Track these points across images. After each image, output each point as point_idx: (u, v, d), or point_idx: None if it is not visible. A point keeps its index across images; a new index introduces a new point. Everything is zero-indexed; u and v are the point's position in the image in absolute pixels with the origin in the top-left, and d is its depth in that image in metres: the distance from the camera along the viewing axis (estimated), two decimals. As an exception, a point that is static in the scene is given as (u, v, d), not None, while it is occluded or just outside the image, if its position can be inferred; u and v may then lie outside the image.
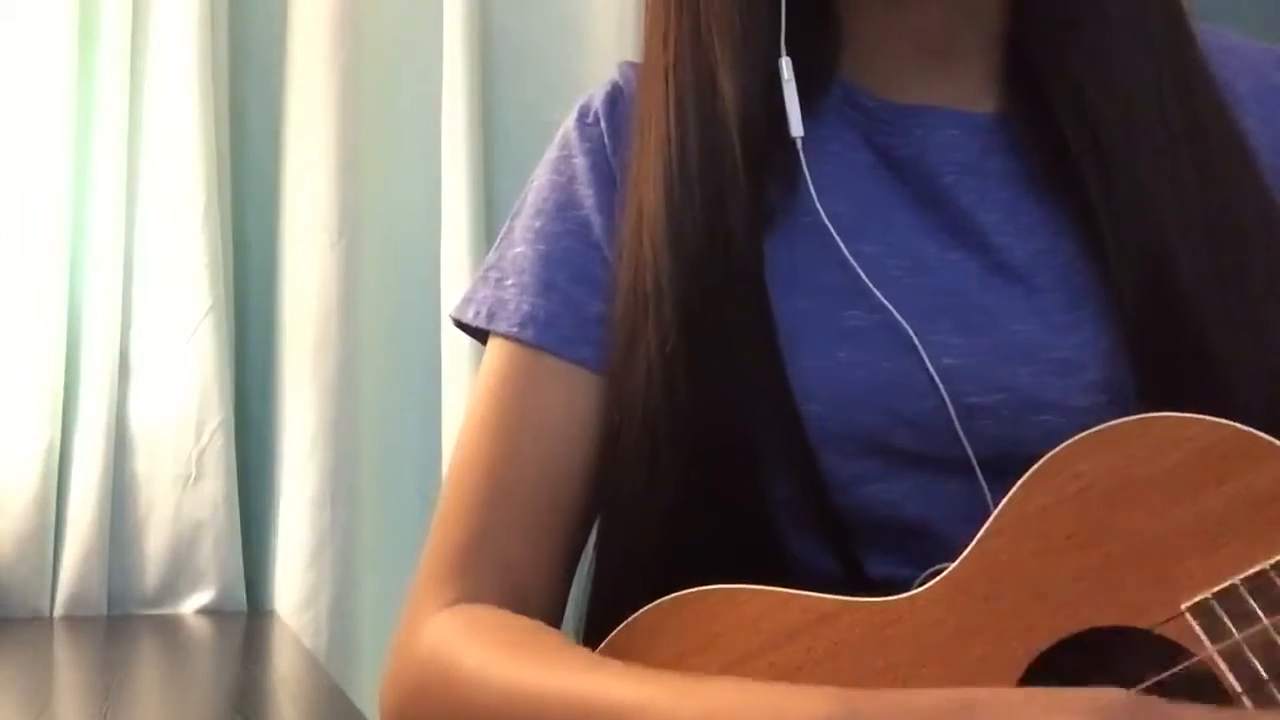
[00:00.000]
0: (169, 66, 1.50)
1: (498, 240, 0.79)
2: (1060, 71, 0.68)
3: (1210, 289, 0.63)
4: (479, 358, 0.78)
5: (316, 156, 1.56)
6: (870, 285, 0.66)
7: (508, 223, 0.79)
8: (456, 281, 1.54)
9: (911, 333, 0.65)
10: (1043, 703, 0.48)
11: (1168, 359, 0.64)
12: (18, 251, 1.43)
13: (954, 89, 0.71)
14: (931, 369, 0.64)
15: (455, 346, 1.54)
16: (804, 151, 0.68)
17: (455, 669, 0.63)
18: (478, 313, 0.75)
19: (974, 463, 0.64)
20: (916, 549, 0.64)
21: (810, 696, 0.51)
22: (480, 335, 0.76)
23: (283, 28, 1.60)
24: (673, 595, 0.61)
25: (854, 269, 0.66)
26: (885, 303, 0.65)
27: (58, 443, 1.43)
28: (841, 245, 0.66)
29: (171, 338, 1.49)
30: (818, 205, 0.67)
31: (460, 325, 0.77)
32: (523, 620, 0.66)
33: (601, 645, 0.63)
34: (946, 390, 0.64)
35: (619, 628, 0.63)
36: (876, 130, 0.72)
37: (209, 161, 1.50)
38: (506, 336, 0.73)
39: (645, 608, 0.62)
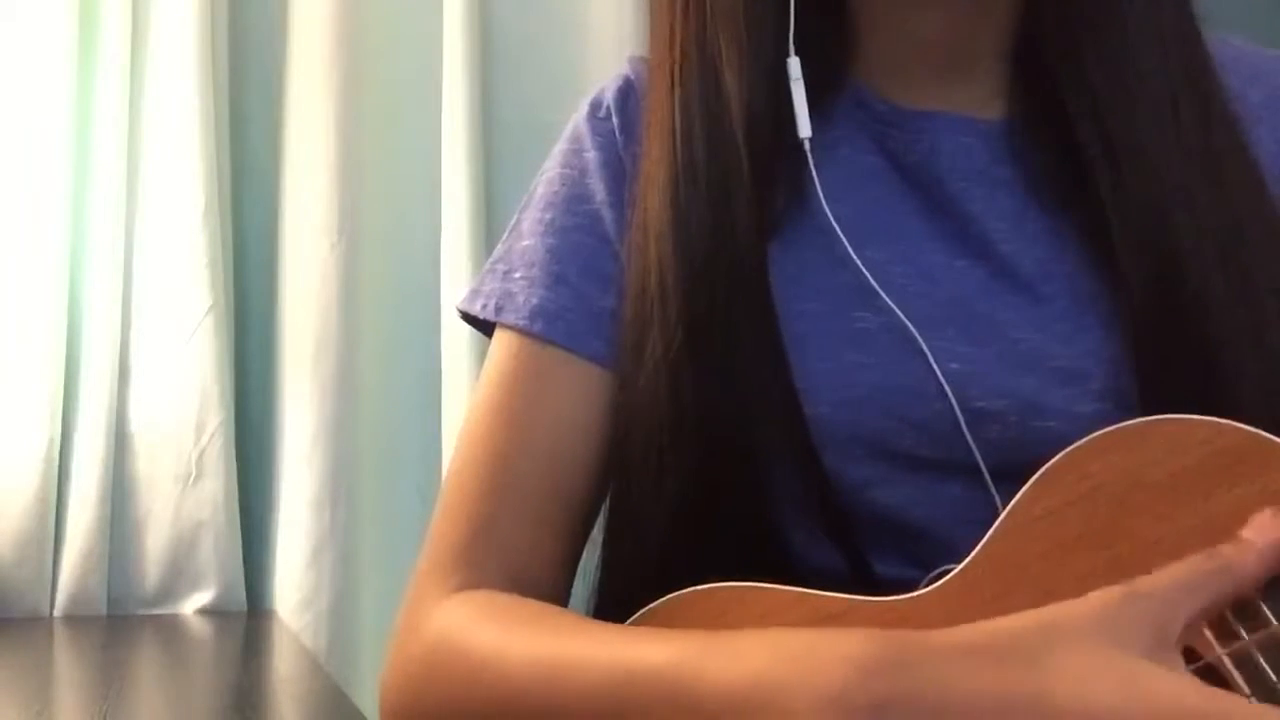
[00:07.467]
0: (169, 66, 1.50)
1: (505, 234, 0.78)
2: (1077, 75, 0.67)
3: (1217, 296, 0.63)
4: (479, 357, 0.78)
5: (316, 157, 1.56)
6: (878, 288, 0.65)
7: (516, 216, 0.78)
8: (456, 281, 1.54)
9: (919, 337, 0.64)
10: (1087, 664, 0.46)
11: (1172, 365, 0.64)
12: (18, 252, 1.43)
13: (965, 93, 0.71)
14: (939, 373, 0.64)
15: (455, 346, 1.54)
16: (813, 153, 0.68)
17: (470, 648, 0.61)
18: (485, 305, 0.74)
19: (981, 467, 0.64)
20: (919, 551, 0.64)
21: (845, 638, 0.48)
22: (486, 328, 0.76)
23: (283, 28, 1.60)
24: (679, 592, 0.61)
25: (861, 272, 0.66)
26: (893, 306, 0.65)
27: (58, 443, 1.43)
28: (849, 248, 0.66)
29: (171, 338, 1.49)
30: (825, 208, 0.67)
31: (466, 318, 0.77)
32: (534, 602, 0.65)
33: None
34: (954, 394, 0.64)
35: (625, 623, 0.62)
36: (887, 134, 0.71)
37: (209, 161, 1.50)
38: (514, 329, 0.72)
39: (652, 604, 0.62)
